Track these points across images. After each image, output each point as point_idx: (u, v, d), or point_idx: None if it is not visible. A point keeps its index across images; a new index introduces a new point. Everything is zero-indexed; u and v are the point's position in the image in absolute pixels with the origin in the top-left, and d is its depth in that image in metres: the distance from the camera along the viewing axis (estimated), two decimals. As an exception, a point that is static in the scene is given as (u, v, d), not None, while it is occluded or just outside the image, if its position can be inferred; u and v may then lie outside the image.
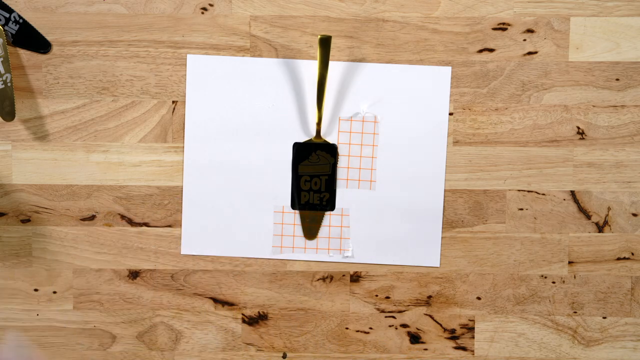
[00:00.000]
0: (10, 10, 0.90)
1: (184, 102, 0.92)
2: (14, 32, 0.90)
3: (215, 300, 0.94)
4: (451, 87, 0.92)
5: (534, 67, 0.92)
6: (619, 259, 0.94)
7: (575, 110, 0.92)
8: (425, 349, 0.95)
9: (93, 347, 0.95)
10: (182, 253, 0.94)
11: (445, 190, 0.93)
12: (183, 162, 0.92)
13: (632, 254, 0.94)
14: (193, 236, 0.93)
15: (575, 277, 0.94)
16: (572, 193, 0.93)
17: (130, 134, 0.92)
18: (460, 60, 0.91)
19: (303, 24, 0.91)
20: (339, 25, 0.91)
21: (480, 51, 0.91)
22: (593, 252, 0.94)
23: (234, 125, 0.92)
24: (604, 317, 0.95)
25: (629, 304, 0.94)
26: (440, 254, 0.93)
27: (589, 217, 0.93)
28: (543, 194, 0.93)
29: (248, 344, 0.95)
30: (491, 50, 0.91)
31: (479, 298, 0.94)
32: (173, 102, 0.92)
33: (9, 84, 0.88)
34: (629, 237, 0.93)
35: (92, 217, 0.93)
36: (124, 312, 0.94)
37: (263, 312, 0.94)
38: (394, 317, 0.95)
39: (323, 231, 0.93)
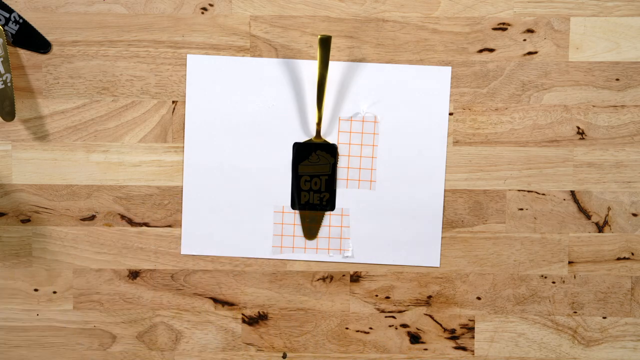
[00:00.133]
0: (10, 10, 0.90)
1: (184, 102, 0.92)
2: (14, 32, 0.90)
3: (215, 300, 0.94)
4: (451, 87, 0.92)
5: (534, 67, 0.92)
6: (619, 259, 0.94)
7: (575, 110, 0.92)
8: (425, 349, 0.95)
9: (93, 347, 0.95)
10: (182, 253, 0.94)
11: (445, 190, 0.93)
12: (183, 162, 0.92)
13: (632, 254, 0.94)
14: (193, 236, 0.93)
15: (575, 277, 0.94)
16: (572, 193, 0.93)
17: (130, 134, 0.92)
18: (460, 60, 0.91)
19: (303, 24, 0.91)
20: (339, 25, 0.91)
21: (480, 51, 0.91)
22: (593, 252, 0.94)
23: (234, 125, 0.92)
24: (604, 317, 0.95)
25: (629, 304, 0.94)
26: (440, 254, 0.93)
27: (589, 217, 0.93)
28: (543, 194, 0.93)
29: (248, 344, 0.95)
30: (491, 50, 0.91)
31: (479, 298, 0.94)
32: (173, 102, 0.92)
33: (9, 84, 0.88)
34: (629, 237, 0.93)
35: (92, 217, 0.93)
36: (124, 312, 0.94)
37: (263, 312, 0.94)
38: (394, 317, 0.95)
39: (323, 231, 0.93)
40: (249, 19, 0.91)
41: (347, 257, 0.93)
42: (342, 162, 0.92)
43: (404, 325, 0.95)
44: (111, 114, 0.92)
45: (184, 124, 0.92)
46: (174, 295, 0.94)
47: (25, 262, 0.94)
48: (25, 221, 0.93)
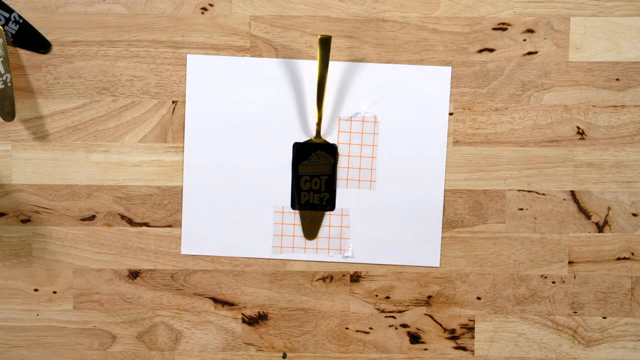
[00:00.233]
0: (10, 10, 0.90)
1: (184, 102, 0.92)
2: (14, 32, 0.90)
3: (215, 300, 0.94)
4: (451, 87, 0.92)
5: (534, 67, 0.92)
6: (619, 259, 0.94)
7: (575, 110, 0.92)
8: (425, 349, 0.95)
9: (93, 347, 0.95)
10: (182, 253, 0.94)
11: (445, 190, 0.93)
12: (183, 162, 0.92)
13: (632, 254, 0.94)
14: (193, 236, 0.93)
15: (575, 277, 0.94)
16: (572, 193, 0.93)
17: (130, 134, 0.92)
18: (460, 60, 0.91)
19: (303, 24, 0.91)
20: (339, 25, 0.91)
21: (480, 51, 0.91)
22: (593, 252, 0.94)
23: (234, 125, 0.92)
24: (604, 317, 0.95)
25: (629, 304, 0.94)
26: (440, 254, 0.93)
27: (589, 217, 0.93)
28: (543, 194, 0.93)
29: (248, 344, 0.95)
30: (491, 50, 0.91)
31: (479, 298, 0.94)
32: (173, 102, 0.92)
33: (9, 84, 0.88)
34: (629, 237, 0.93)
35: (92, 217, 0.93)
36: (124, 312, 0.94)
37: (263, 312, 0.94)
38: (394, 317, 0.95)
39: (323, 231, 0.93)
40: (249, 19, 0.91)
41: (347, 257, 0.93)
42: (342, 162, 0.92)
43: (404, 325, 0.95)
44: (111, 114, 0.92)
45: (184, 124, 0.92)
46: (174, 295, 0.94)
47: (25, 262, 0.94)
48: (25, 221, 0.93)
